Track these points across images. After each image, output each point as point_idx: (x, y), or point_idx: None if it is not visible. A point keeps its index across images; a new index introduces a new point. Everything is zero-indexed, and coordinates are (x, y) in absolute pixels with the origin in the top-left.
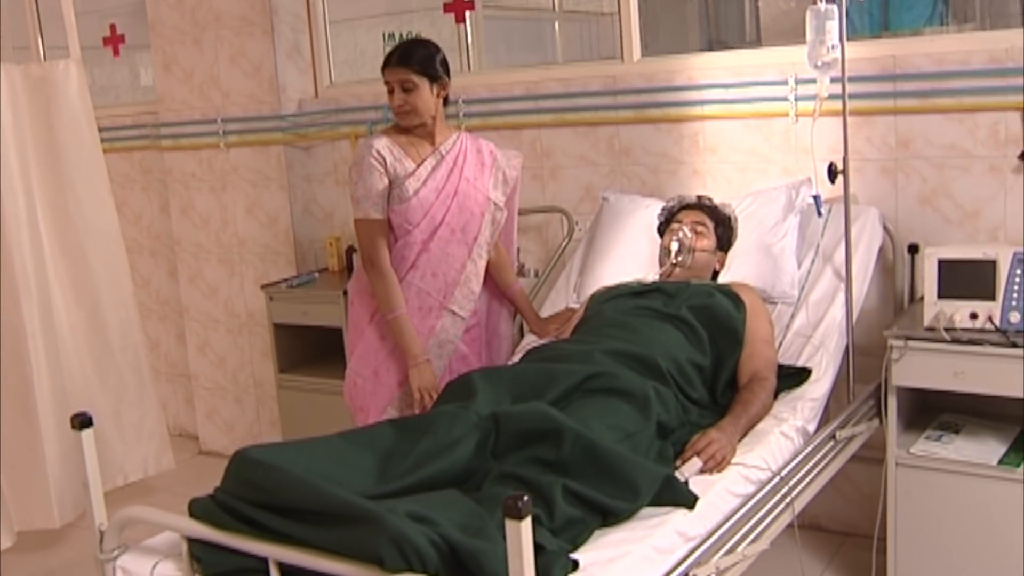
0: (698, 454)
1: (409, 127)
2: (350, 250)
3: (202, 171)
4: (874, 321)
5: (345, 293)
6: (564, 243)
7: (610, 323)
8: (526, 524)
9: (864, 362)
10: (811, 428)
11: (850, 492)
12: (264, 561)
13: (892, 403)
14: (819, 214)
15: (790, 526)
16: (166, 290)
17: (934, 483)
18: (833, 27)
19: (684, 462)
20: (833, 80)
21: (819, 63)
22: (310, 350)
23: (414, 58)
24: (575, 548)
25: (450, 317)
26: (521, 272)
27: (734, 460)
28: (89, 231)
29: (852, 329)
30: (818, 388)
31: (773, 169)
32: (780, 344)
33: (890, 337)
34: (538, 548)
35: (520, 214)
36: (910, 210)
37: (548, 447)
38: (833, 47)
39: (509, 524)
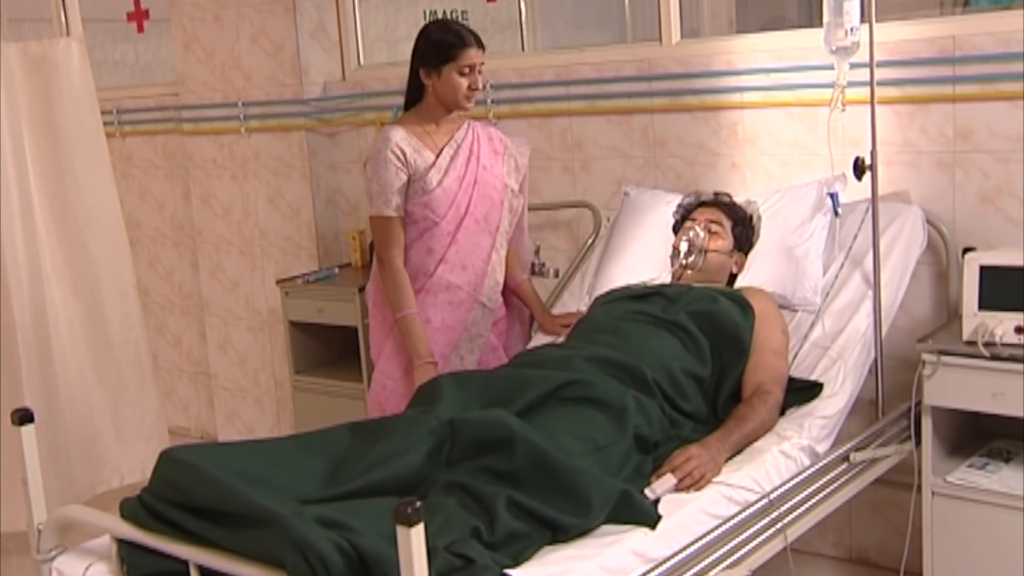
0: (674, 471)
1: (459, 111)
2: (373, 245)
3: (223, 157)
4: (925, 333)
5: (361, 290)
6: (590, 240)
7: (600, 328)
8: (417, 531)
9: (910, 378)
10: (821, 448)
11: (903, 524)
12: (185, 563)
13: (927, 424)
14: (835, 213)
15: (785, 553)
16: (189, 283)
17: (973, 516)
18: (854, 8)
19: (659, 478)
20: (893, 64)
21: (834, 47)
22: (328, 350)
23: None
24: (516, 564)
25: (480, 309)
26: (540, 272)
27: (717, 479)
28: (90, 219)
29: (880, 341)
30: (831, 405)
31: (818, 163)
32: (795, 356)
33: (923, 351)
34: (468, 561)
35: (547, 209)
36: (969, 210)
37: (501, 456)
38: (853, 30)
39: (400, 531)
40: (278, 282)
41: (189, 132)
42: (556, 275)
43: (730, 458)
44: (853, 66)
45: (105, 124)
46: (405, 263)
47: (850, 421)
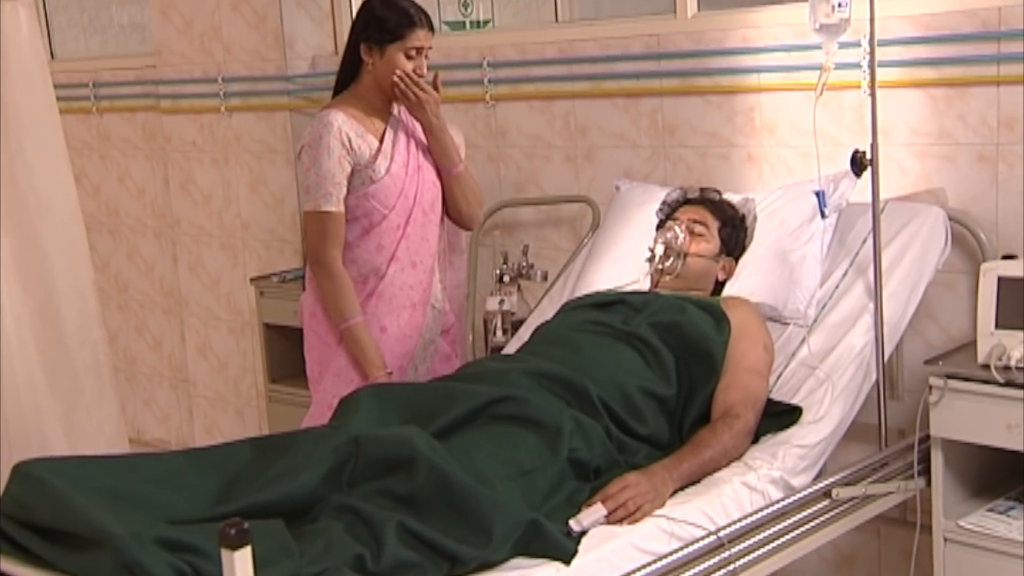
0: (607, 500)
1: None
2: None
3: (203, 139)
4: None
5: None
6: (586, 239)
7: (552, 339)
8: (242, 555)
9: None
10: (798, 482)
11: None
12: None
13: (937, 459)
14: (822, 215)
15: None
16: (171, 279)
17: (989, 568)
18: None
19: (589, 508)
20: (927, 41)
21: (818, 25)
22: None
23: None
24: None
25: (431, 312)
26: (527, 275)
27: (659, 512)
28: (42, 206)
29: (882, 361)
30: (813, 433)
31: (843, 154)
32: (779, 376)
33: (931, 374)
34: None
35: (542, 203)
36: (1013, 211)
37: (402, 478)
38: (841, 5)
39: (224, 554)
40: (252, 280)
41: (167, 110)
42: (544, 279)
43: (682, 489)
44: (881, 43)
45: (80, 99)
46: (349, 265)
47: (855, 452)
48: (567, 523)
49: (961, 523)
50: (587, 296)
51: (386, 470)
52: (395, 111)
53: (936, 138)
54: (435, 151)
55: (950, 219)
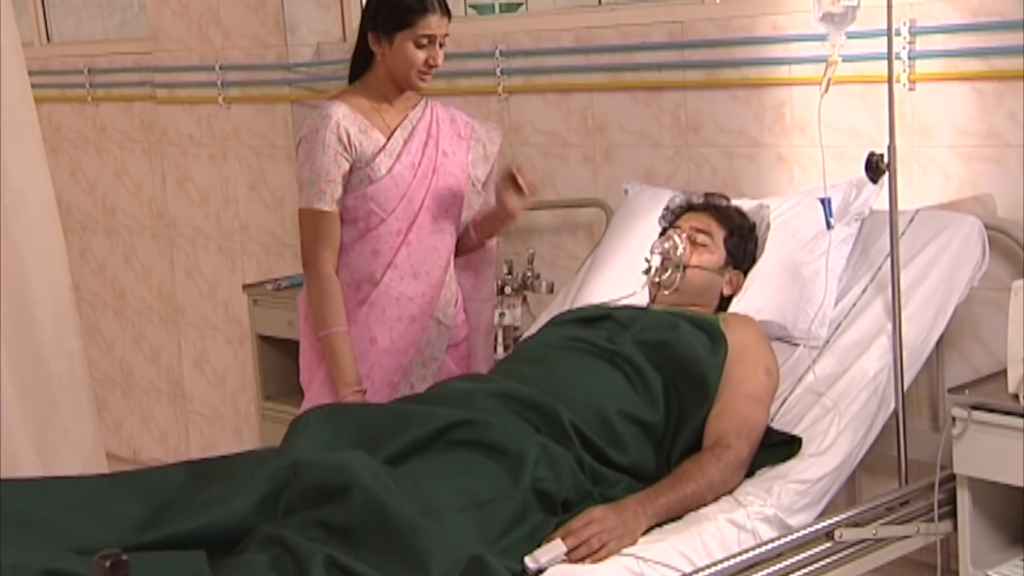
0: (568, 536)
1: (410, 90)
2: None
3: (200, 132)
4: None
5: None
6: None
7: (526, 357)
8: None
9: None
10: (795, 521)
11: None
12: None
13: (964, 499)
14: (828, 226)
15: None
16: (168, 284)
17: None
18: None
19: (548, 543)
20: (973, 29)
21: (821, 14)
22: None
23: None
24: None
25: (435, 327)
26: (532, 286)
27: (629, 550)
28: (15, 204)
29: (901, 390)
30: (816, 466)
31: None
32: (783, 402)
33: (955, 404)
34: None
35: (552, 207)
36: None
37: (337, 507)
38: None
39: None
40: (244, 287)
41: (164, 100)
42: (551, 290)
43: (659, 526)
44: (919, 32)
45: (74, 86)
46: (343, 269)
47: (875, 490)
48: (523, 560)
49: (991, 573)
50: (574, 310)
51: (322, 498)
52: (421, 104)
53: (984, 138)
54: (485, 222)
55: (995, 230)
